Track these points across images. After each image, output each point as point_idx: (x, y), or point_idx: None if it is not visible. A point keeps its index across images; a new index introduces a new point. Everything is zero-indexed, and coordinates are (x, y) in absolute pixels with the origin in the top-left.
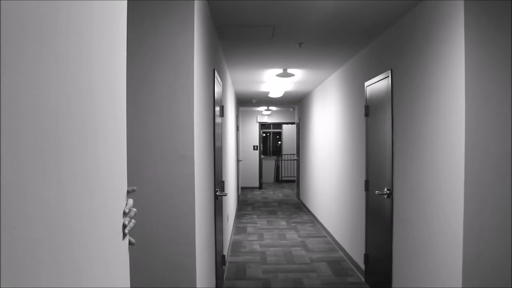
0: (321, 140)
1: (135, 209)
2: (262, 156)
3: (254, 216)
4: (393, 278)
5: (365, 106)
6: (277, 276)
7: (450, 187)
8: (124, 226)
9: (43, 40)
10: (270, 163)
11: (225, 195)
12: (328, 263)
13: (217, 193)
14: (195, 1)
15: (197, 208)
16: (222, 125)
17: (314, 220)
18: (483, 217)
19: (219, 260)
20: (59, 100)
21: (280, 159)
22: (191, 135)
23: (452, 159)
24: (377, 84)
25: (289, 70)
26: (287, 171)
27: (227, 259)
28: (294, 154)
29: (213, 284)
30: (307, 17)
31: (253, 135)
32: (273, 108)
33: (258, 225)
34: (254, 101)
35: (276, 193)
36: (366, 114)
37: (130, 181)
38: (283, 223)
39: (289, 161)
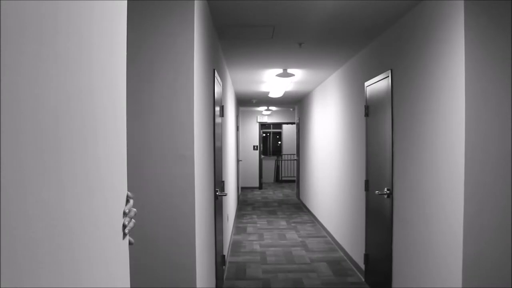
0: (321, 140)
1: (135, 209)
2: (262, 156)
3: (254, 216)
4: (393, 278)
5: (365, 106)
6: (277, 276)
7: (450, 187)
8: (124, 226)
9: (43, 40)
10: (270, 163)
11: (225, 195)
12: (328, 263)
13: (217, 193)
14: (195, 1)
15: (197, 208)
16: (222, 125)
17: (314, 220)
18: (483, 217)
19: (219, 260)
20: (59, 100)
21: (280, 159)
22: (191, 135)
23: (452, 159)
24: (377, 84)
25: (289, 70)
26: (287, 171)
27: (227, 259)
28: (294, 154)
29: (213, 284)
30: (307, 17)
31: (253, 135)
32: (273, 108)
33: (258, 225)
34: (254, 101)
35: (276, 193)
36: (366, 114)
37: (130, 181)
38: (283, 223)
39: (289, 161)
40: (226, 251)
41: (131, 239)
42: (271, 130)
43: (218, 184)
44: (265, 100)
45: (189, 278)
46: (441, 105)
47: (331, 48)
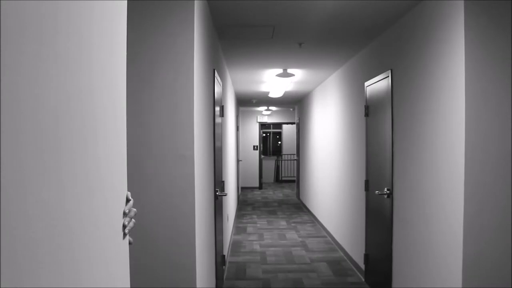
0: (321, 140)
1: (135, 209)
2: (262, 156)
3: (254, 216)
4: (393, 278)
5: (365, 106)
6: (277, 276)
7: (450, 187)
8: (124, 226)
9: (43, 40)
10: (270, 163)
11: (225, 195)
12: (328, 263)
13: (217, 193)
14: (195, 1)
15: (197, 208)
16: (222, 125)
17: (314, 220)
18: (483, 217)
19: (219, 260)
20: (59, 100)
21: (280, 159)
22: (191, 135)
23: (452, 159)
24: (377, 84)
25: (289, 70)
26: (287, 171)
27: (227, 259)
28: (294, 154)
29: (213, 284)
30: (307, 17)
31: (253, 135)
32: (273, 108)
33: (258, 225)
34: (254, 101)
35: (276, 193)
36: (366, 114)
37: (130, 181)
38: (283, 223)
39: (289, 161)
40: (226, 251)
41: (131, 239)
42: (271, 130)
43: (218, 184)
44: (265, 100)
45: (189, 278)
46: (441, 105)
47: (331, 48)
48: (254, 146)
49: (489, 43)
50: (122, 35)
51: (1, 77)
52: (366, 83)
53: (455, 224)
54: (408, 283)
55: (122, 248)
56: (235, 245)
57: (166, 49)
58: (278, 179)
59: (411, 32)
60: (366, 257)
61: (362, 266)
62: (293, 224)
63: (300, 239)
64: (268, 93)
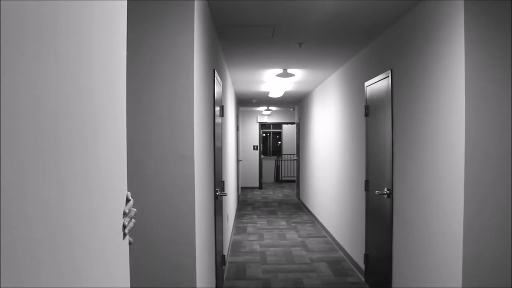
0: (321, 140)
1: (135, 209)
2: (262, 156)
3: (254, 216)
4: (393, 278)
5: (365, 106)
6: (277, 276)
7: (450, 187)
8: (124, 226)
9: (43, 40)
10: (270, 163)
11: (225, 195)
12: (328, 263)
13: (217, 193)
14: (195, 1)
15: (197, 208)
16: (222, 125)
17: (314, 220)
18: (483, 217)
19: (219, 260)
20: (59, 100)
21: (280, 159)
22: (191, 135)
23: (452, 159)
24: (377, 84)
25: (289, 70)
26: (287, 171)
27: (227, 259)
28: (294, 154)
29: (213, 284)
30: (307, 17)
31: (253, 135)
32: (273, 108)
33: (258, 225)
34: (254, 101)
35: (276, 193)
36: (366, 114)
37: (130, 181)
38: (283, 223)
39: (289, 161)
40: (226, 251)
41: (131, 239)
42: (271, 130)
43: (218, 184)
44: (265, 100)
45: (189, 278)
46: (441, 105)
47: (331, 48)
48: (254, 146)
49: (489, 43)
50: (122, 35)
51: (1, 77)
52: (366, 83)
53: (455, 224)
54: (408, 283)
55: (122, 248)
56: (235, 245)
57: (166, 49)
58: (278, 179)
59: (411, 32)
60: (366, 257)
61: (362, 266)
62: (293, 224)
63: (300, 239)
64: (268, 93)
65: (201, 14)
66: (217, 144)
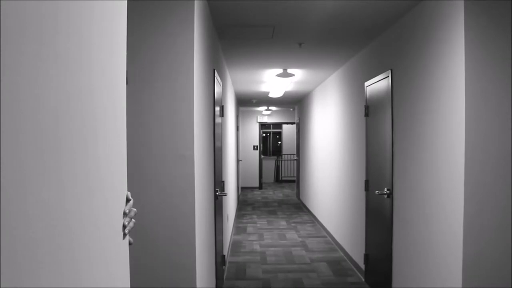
0: (321, 140)
1: (135, 209)
2: (262, 156)
3: (254, 216)
4: (393, 278)
5: (365, 106)
6: (277, 276)
7: (450, 187)
8: (124, 226)
9: (43, 40)
10: (270, 163)
11: (225, 195)
12: (328, 263)
13: (217, 193)
14: (195, 1)
15: (197, 208)
16: (222, 125)
17: (314, 220)
18: (483, 217)
19: (219, 260)
20: (59, 100)
21: (280, 159)
22: (191, 135)
23: (452, 159)
24: (377, 84)
25: (289, 70)
26: (287, 171)
27: (227, 259)
28: (294, 154)
29: (213, 284)
30: (307, 17)
31: (253, 135)
32: (273, 108)
33: (258, 225)
34: (254, 101)
35: (276, 193)
36: (366, 114)
37: (130, 181)
38: (283, 223)
39: (289, 161)
40: (226, 251)
41: (131, 239)
42: (271, 130)
43: (218, 184)
44: (265, 100)
45: (189, 278)
46: (441, 105)
47: (331, 48)
48: (254, 146)
49: (489, 43)
50: (122, 35)
51: (1, 77)
52: (366, 83)
53: (455, 224)
54: (408, 283)
55: (122, 248)
56: (235, 245)
57: (166, 49)
58: (278, 179)
59: (411, 32)
60: (366, 257)
61: (362, 266)
62: (293, 224)
63: (300, 239)
64: (268, 93)
65: (201, 14)
66: (217, 144)
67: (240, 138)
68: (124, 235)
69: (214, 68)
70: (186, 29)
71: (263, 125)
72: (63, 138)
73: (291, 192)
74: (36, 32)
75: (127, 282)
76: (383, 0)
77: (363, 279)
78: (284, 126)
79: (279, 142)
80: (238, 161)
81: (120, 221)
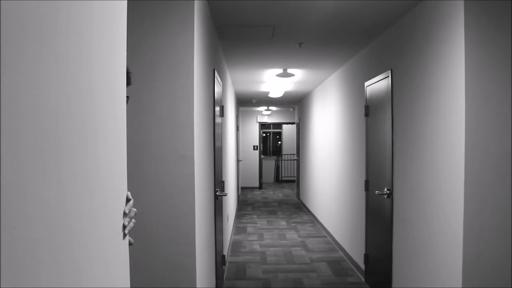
0: (321, 140)
1: (135, 209)
2: (262, 156)
3: (254, 216)
4: (393, 278)
5: (365, 106)
6: (277, 276)
7: (450, 187)
8: (124, 226)
9: (43, 40)
10: (270, 163)
11: (225, 195)
12: (328, 263)
13: (217, 193)
14: (195, 1)
15: (197, 208)
16: (222, 125)
17: (314, 220)
18: (483, 217)
19: (219, 260)
20: (59, 100)
21: (280, 159)
22: (191, 135)
23: (452, 159)
24: (377, 84)
25: (289, 70)
26: (287, 171)
27: (227, 259)
28: (294, 154)
29: (213, 284)
30: (307, 17)
31: (253, 135)
32: (273, 108)
33: (258, 225)
34: (254, 101)
35: (276, 193)
36: (366, 114)
37: (130, 181)
38: (283, 223)
39: (289, 161)
40: (226, 251)
41: (131, 239)
42: (271, 130)
43: (218, 184)
44: (265, 100)
45: (189, 278)
46: (441, 105)
47: (331, 48)
48: (254, 146)
49: (489, 43)
50: (122, 35)
51: (1, 77)
52: (366, 83)
53: (455, 224)
54: (408, 283)
55: (122, 248)
56: (235, 245)
57: (166, 49)
58: (278, 179)
59: (411, 32)
60: (366, 257)
61: (362, 266)
62: (293, 224)
63: (300, 239)
64: (268, 93)
65: (201, 14)
66: (217, 144)
67: (240, 138)
68: (124, 235)
69: (214, 68)
70: (186, 29)
71: (263, 125)
72: (63, 138)
73: (291, 192)
74: (36, 32)
75: (127, 282)
76: (383, 0)
77: (363, 279)
78: (284, 126)
79: (279, 142)
80: (238, 161)
81: (120, 221)
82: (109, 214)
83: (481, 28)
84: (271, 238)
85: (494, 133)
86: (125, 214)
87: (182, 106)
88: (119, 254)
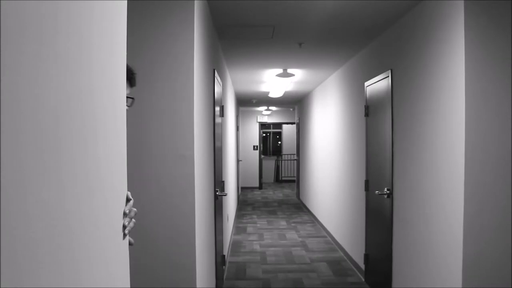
0: (321, 140)
1: (135, 209)
2: (262, 156)
3: (254, 216)
4: (393, 278)
5: (365, 106)
6: (277, 276)
7: (450, 187)
8: (124, 226)
9: (43, 40)
10: (270, 163)
11: (225, 195)
12: (328, 263)
13: (217, 193)
14: (195, 1)
15: (197, 208)
16: (222, 125)
17: (314, 220)
18: (483, 217)
19: (219, 260)
20: (59, 100)
21: (280, 159)
22: (191, 135)
23: (452, 159)
24: (377, 84)
25: (289, 70)
26: (287, 171)
27: (227, 259)
28: (294, 154)
29: (213, 284)
30: (307, 17)
31: (253, 135)
32: (273, 108)
33: (258, 225)
34: (254, 101)
35: (276, 193)
36: (366, 114)
37: (130, 181)
38: (283, 223)
39: (289, 161)
40: (226, 251)
41: (131, 239)
42: (271, 130)
43: (218, 184)
44: (265, 100)
45: (189, 278)
46: (441, 105)
47: (331, 48)
48: (254, 146)
49: (489, 43)
50: (122, 35)
51: (1, 77)
52: (366, 83)
53: (455, 224)
54: (408, 283)
55: (122, 248)
56: (235, 245)
57: (166, 49)
58: (278, 179)
59: (411, 32)
60: (366, 257)
61: (362, 266)
62: (293, 224)
63: (300, 239)
64: (268, 93)
65: (201, 14)
66: (217, 144)
67: (240, 138)
68: (124, 235)
69: (214, 68)
70: (186, 29)
71: (263, 125)
72: (63, 138)
73: (291, 192)
74: (36, 32)
75: (127, 282)
76: (383, 0)
77: (363, 279)
78: (284, 126)
79: (279, 142)
80: (238, 161)
81: (120, 221)
82: (109, 214)
83: (481, 28)
84: (271, 238)
85: (494, 133)
86: (125, 214)
87: (182, 106)
88: (119, 254)
